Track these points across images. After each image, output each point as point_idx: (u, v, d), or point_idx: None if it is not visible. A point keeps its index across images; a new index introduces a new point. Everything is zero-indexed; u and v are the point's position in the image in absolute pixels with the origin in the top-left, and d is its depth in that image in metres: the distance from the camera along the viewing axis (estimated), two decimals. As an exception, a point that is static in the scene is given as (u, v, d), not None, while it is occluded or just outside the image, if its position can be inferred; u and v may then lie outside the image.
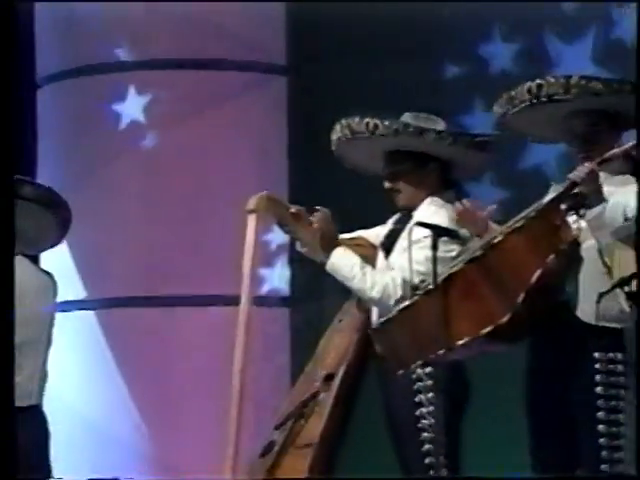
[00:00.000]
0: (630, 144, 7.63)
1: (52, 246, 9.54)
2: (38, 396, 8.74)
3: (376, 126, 8.44)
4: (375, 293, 8.28)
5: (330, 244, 8.57)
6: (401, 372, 7.77)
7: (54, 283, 9.02)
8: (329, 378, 8.56)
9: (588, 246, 7.60)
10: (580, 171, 7.46)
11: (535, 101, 7.95)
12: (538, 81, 8.03)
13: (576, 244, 7.56)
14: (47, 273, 9.16)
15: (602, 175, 7.56)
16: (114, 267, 11.40)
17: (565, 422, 7.84)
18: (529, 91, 7.96)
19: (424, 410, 7.94)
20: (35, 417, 8.67)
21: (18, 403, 8.13)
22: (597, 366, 7.50)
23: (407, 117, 8.59)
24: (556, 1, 14.06)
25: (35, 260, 9.47)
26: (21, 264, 8.53)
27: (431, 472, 7.99)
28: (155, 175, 11.84)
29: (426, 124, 8.53)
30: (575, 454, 7.87)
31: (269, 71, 13.20)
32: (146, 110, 12.46)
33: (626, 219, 7.27)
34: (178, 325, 11.56)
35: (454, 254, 8.04)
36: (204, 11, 12.75)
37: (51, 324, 8.85)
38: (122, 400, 11.54)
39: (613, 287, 7.10)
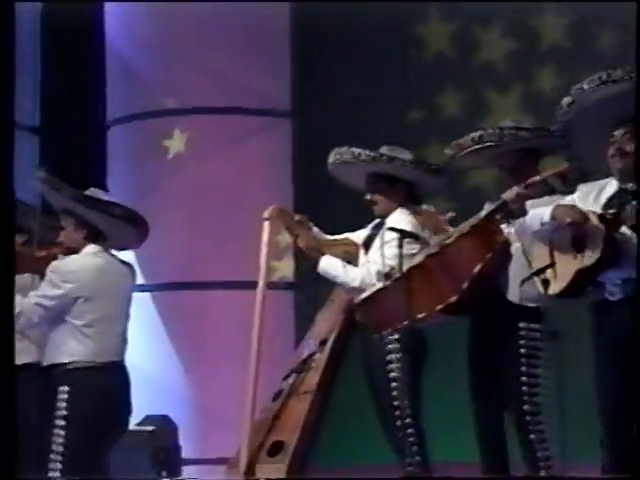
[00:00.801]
0: (545, 174, 7.82)
1: (133, 249, 9.57)
2: (123, 354, 8.65)
3: (359, 154, 8.56)
4: (356, 283, 8.41)
5: (317, 254, 8.72)
6: (376, 336, 8.11)
7: (133, 272, 8.94)
8: (323, 343, 8.74)
9: (515, 246, 7.80)
10: (510, 192, 7.62)
11: (477, 147, 8.13)
12: (480, 132, 8.22)
13: (507, 245, 7.79)
14: (128, 264, 8.92)
15: (530, 196, 7.70)
16: (167, 261, 11.53)
17: (496, 374, 7.96)
18: (472, 139, 8.14)
19: (393, 366, 8.05)
20: (123, 369, 8.55)
21: (112, 359, 8.43)
22: (522, 333, 7.69)
23: (383, 149, 8.63)
24: (557, 1, 13.62)
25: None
26: (109, 258, 8.56)
27: (397, 412, 8.08)
28: (194, 194, 11.83)
29: (396, 154, 8.60)
30: (505, 402, 8.06)
31: (277, 115, 13.02)
32: (186, 145, 12.40)
33: (542, 224, 7.28)
34: (212, 303, 11.60)
35: (416, 251, 8.08)
36: (225, 69, 12.53)
37: (130, 301, 8.81)
38: (172, 358, 11.58)
39: (531, 275, 7.25)
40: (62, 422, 8.19)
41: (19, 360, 8.35)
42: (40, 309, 8.27)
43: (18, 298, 8.29)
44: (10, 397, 5.13)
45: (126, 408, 8.74)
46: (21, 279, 8.56)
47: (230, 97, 12.56)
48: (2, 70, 4.06)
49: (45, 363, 8.48)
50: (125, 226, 8.63)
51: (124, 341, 8.74)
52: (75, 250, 8.45)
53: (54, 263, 8.42)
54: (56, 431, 8.24)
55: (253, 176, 12.09)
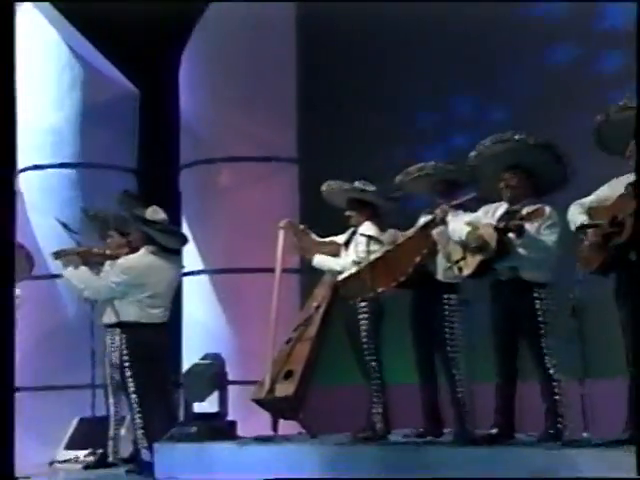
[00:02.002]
0: (461, 199, 7.84)
1: (178, 248, 9.48)
2: (166, 318, 8.83)
3: (341, 186, 8.55)
4: (338, 268, 8.39)
5: (313, 253, 8.79)
6: (351, 303, 8.21)
7: (179, 263, 9.28)
8: (317, 307, 8.78)
9: (440, 245, 7.76)
10: (439, 210, 7.69)
11: (417, 175, 8.00)
12: (420, 165, 8.04)
13: (434, 244, 7.80)
14: (176, 258, 9.18)
15: (453, 211, 7.73)
16: (219, 254, 11.57)
17: (429, 326, 7.96)
18: (417, 169, 7.97)
19: (363, 322, 8.12)
20: (165, 326, 8.79)
21: (157, 321, 8.84)
22: (445, 300, 7.76)
23: (356, 183, 8.56)
24: (558, 1, 11.82)
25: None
26: (160, 254, 8.71)
27: (365, 351, 8.22)
28: (235, 214, 11.57)
29: (365, 187, 8.52)
30: (434, 344, 8.09)
31: (286, 161, 12.46)
32: (229, 183, 12.15)
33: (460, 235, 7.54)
34: (246, 282, 11.46)
35: (377, 248, 8.08)
36: (252, 127, 12.08)
37: (174, 283, 9.09)
38: (221, 317, 11.56)
39: (450, 265, 7.52)
40: (125, 359, 8.58)
41: (108, 320, 8.83)
42: (108, 289, 8.65)
43: (98, 279, 8.83)
44: (10, 397, 4.04)
45: (167, 352, 9.18)
46: (105, 267, 8.91)
47: (249, 147, 12.14)
48: (2, 70, 3.19)
49: (117, 320, 8.67)
50: (165, 235, 8.83)
51: (167, 309, 8.95)
52: (138, 249, 8.78)
53: (119, 260, 8.76)
54: (125, 366, 8.64)
55: (274, 201, 11.83)
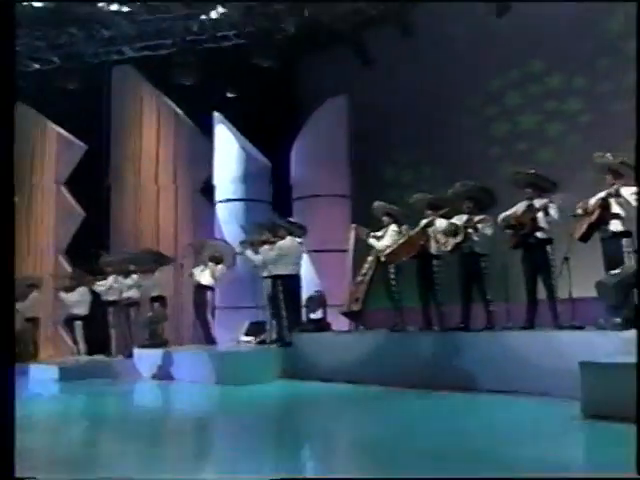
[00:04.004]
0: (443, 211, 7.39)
1: (302, 237, 9.01)
2: (298, 271, 8.63)
3: (379, 206, 8.11)
4: (380, 248, 8.02)
5: (367, 240, 8.25)
6: (390, 264, 7.85)
7: (302, 246, 8.86)
8: (369, 268, 8.34)
9: (433, 234, 7.48)
10: (436, 218, 7.36)
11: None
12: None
13: (428, 236, 7.53)
14: (301, 243, 8.76)
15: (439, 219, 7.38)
16: (314, 242, 10.66)
17: (425, 279, 7.64)
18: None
19: (391, 275, 7.86)
20: (298, 277, 8.80)
21: (295, 272, 8.59)
22: (434, 263, 7.51)
23: (387, 205, 8.09)
24: (558, 1, 9.62)
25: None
26: (296, 241, 8.68)
27: (394, 294, 7.85)
28: (319, 225, 11.12)
29: (392, 207, 8.08)
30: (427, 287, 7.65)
31: (343, 196, 12.34)
32: (317, 207, 12.13)
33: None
34: (326, 257, 11.38)
35: (399, 238, 7.81)
36: (322, 176, 11.99)
37: (301, 256, 8.83)
38: (315, 274, 11.54)
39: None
40: (278, 292, 8.42)
41: (267, 274, 8.59)
42: (270, 258, 8.54)
43: (260, 255, 8.63)
44: (9, 397, 2.56)
45: (297, 288, 9.00)
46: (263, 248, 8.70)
47: (324, 188, 12.18)
48: (2, 69, 2.27)
49: (273, 274, 8.52)
50: (296, 230, 8.85)
51: (298, 267, 8.77)
52: (284, 237, 8.67)
53: (278, 243, 8.59)
54: (279, 297, 8.49)
55: (338, 217, 11.82)
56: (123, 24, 10.64)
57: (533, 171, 6.72)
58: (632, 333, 5.03)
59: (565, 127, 10.16)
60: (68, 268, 12.69)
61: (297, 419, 5.54)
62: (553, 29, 9.83)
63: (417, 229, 7.57)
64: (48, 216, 13.11)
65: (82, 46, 11.19)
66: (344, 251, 8.96)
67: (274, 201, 12.78)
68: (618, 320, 5.40)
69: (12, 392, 2.14)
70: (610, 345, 5.27)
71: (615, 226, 6.04)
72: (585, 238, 6.10)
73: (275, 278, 8.57)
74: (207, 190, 13.18)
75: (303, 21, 11.21)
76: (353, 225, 8.63)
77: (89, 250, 11.58)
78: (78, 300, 10.74)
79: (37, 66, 11.72)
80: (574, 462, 3.74)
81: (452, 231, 7.12)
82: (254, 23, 10.97)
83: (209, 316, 9.49)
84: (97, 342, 10.98)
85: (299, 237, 8.77)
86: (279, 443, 4.56)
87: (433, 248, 7.49)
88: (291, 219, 9.33)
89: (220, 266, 9.56)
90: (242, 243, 9.16)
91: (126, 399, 7.52)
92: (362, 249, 8.60)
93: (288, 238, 8.63)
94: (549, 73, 10.22)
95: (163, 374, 8.79)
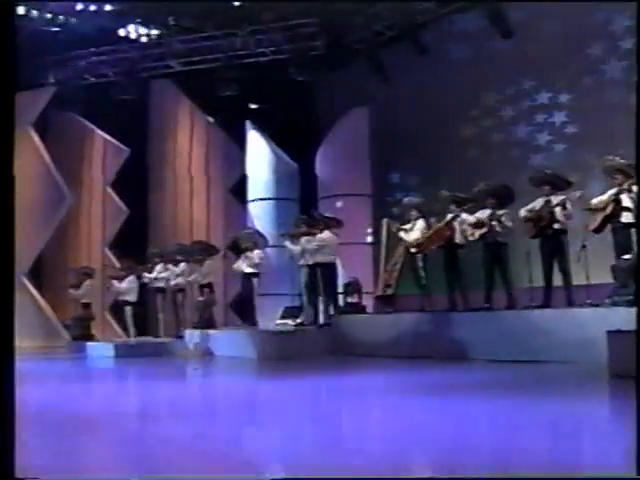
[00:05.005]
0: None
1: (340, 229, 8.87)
2: (334, 260, 8.64)
3: (409, 201, 8.34)
4: (409, 240, 8.10)
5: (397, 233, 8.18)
6: (419, 253, 7.94)
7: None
8: (399, 257, 8.38)
9: (459, 226, 7.55)
10: (461, 213, 7.39)
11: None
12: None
13: (453, 229, 7.60)
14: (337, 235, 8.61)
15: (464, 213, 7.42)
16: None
17: (451, 261, 7.77)
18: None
19: (420, 263, 7.94)
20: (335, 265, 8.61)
21: (332, 261, 8.51)
22: (459, 252, 7.64)
23: (409, 199, 8.30)
24: (558, 1, 9.65)
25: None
26: (331, 234, 8.63)
27: (422, 279, 7.85)
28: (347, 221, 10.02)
29: (417, 200, 8.29)
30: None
31: (365, 195, 12.49)
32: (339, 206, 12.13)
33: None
34: (351, 249, 10.82)
35: (427, 230, 7.91)
36: (345, 177, 12.09)
37: (336, 244, 8.58)
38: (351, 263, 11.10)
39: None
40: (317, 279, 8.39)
41: (304, 262, 8.66)
42: (300, 249, 8.56)
43: (291, 244, 8.68)
44: (9, 397, 2.09)
45: (335, 275, 8.73)
46: (302, 239, 8.65)
47: (348, 188, 12.23)
48: (2, 69, 2.21)
49: (311, 262, 8.55)
50: (335, 222, 8.82)
51: (334, 257, 8.66)
52: (322, 230, 8.69)
53: (318, 235, 8.60)
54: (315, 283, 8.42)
55: (361, 213, 12.08)
56: (173, 42, 11.02)
57: (550, 171, 7.00)
58: (642, 308, 5.31)
59: (553, 137, 10.81)
60: (114, 260, 12.97)
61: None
62: (543, 52, 10.54)
63: (444, 222, 7.69)
64: (97, 213, 13.41)
65: (135, 62, 11.51)
66: (365, 244, 9.50)
67: (301, 200, 13.02)
68: (630, 297, 5.58)
69: (12, 392, 1.89)
70: (622, 319, 5.37)
71: (626, 218, 6.21)
72: (599, 230, 6.28)
73: (314, 266, 8.70)
74: (237, 191, 13.47)
75: (331, 41, 11.52)
76: (385, 220, 8.76)
77: (133, 243, 11.83)
78: (128, 288, 11.01)
79: (93, 79, 12.03)
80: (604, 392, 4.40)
81: (479, 224, 7.42)
82: (291, 41, 11.36)
83: (255, 302, 9.66)
84: (145, 325, 11.28)
85: (336, 230, 8.92)
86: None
87: (458, 238, 7.60)
88: (328, 214, 9.49)
89: (257, 251, 9.61)
90: (282, 235, 9.35)
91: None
92: (390, 241, 8.72)
93: (326, 231, 8.77)
94: (538, 90, 10.89)
95: (212, 352, 9.04)
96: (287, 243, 9.08)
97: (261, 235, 10.05)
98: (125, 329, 11.17)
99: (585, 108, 10.01)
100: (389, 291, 8.40)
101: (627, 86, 8.96)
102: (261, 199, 12.81)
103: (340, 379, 5.75)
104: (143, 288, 10.97)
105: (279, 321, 10.38)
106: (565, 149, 10.36)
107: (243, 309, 9.88)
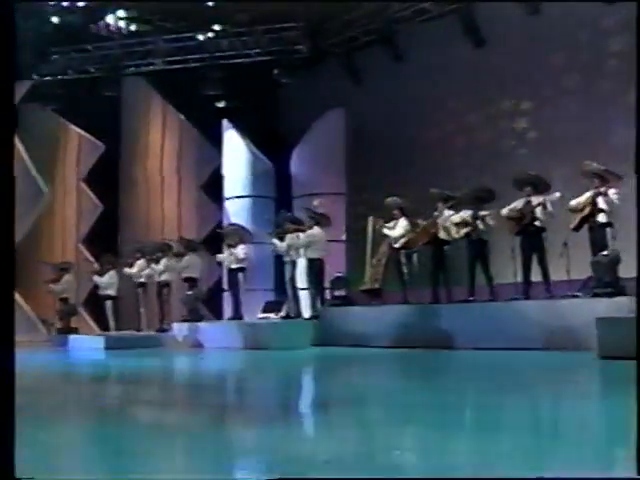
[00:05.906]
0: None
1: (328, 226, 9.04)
2: (323, 255, 8.70)
3: (396, 200, 8.37)
4: (393, 236, 8.29)
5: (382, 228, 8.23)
6: (407, 250, 8.14)
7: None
8: (384, 253, 8.54)
9: (442, 224, 7.72)
10: (444, 211, 7.58)
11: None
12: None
13: (437, 226, 7.75)
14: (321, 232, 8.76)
15: (447, 210, 7.57)
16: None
17: (438, 259, 7.90)
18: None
19: (409, 260, 8.15)
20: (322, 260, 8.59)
21: (320, 256, 8.63)
22: (445, 248, 7.80)
23: (398, 199, 8.26)
24: (560, 1, 9.36)
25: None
26: (321, 230, 8.83)
27: (405, 275, 8.15)
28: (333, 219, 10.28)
29: (400, 199, 8.32)
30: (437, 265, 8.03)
31: (339, 194, 12.33)
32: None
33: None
34: (333, 245, 10.43)
35: (411, 227, 8.08)
36: (320, 177, 12.08)
37: (325, 240, 8.73)
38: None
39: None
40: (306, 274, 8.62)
41: (295, 257, 8.90)
42: (302, 243, 8.76)
43: (285, 242, 8.81)
44: (9, 397, 1.79)
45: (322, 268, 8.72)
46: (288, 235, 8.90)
47: (322, 187, 12.17)
48: (2, 69, 1.84)
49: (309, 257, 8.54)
50: (325, 219, 8.94)
51: (323, 252, 8.74)
52: (311, 227, 8.87)
53: (307, 232, 8.83)
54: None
55: (337, 212, 11.54)
56: (159, 41, 11.10)
57: (534, 173, 7.18)
58: (620, 299, 5.83)
59: (515, 142, 10.97)
60: (87, 255, 12.92)
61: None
62: (505, 62, 10.52)
63: (430, 220, 7.91)
64: (71, 208, 13.30)
65: (118, 59, 11.54)
66: (339, 241, 9.73)
67: (277, 198, 13.11)
68: (609, 289, 6.04)
69: (12, 392, 1.79)
70: (603, 308, 5.79)
71: (601, 218, 6.56)
72: (578, 228, 6.65)
73: (302, 261, 8.96)
74: (210, 188, 13.45)
75: (309, 43, 11.83)
76: (370, 217, 8.88)
77: (106, 239, 11.88)
78: (108, 282, 11.08)
79: (70, 74, 11.89)
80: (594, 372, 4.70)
81: (463, 223, 7.69)
82: (275, 44, 11.53)
83: (241, 296, 9.87)
84: (124, 319, 11.37)
85: (324, 227, 9.17)
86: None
87: (443, 235, 7.80)
88: (317, 211, 9.62)
89: (241, 246, 9.76)
90: (269, 234, 9.54)
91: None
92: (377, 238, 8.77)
93: (316, 227, 8.97)
94: (501, 97, 11.07)
95: (200, 343, 9.24)
96: (275, 241, 9.29)
97: (246, 230, 10.21)
98: (100, 322, 11.18)
99: (546, 116, 10.12)
100: (376, 285, 8.62)
101: (585, 95, 9.51)
102: (238, 197, 12.83)
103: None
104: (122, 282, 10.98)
105: (261, 315, 10.52)
106: (526, 154, 10.40)
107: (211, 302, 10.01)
